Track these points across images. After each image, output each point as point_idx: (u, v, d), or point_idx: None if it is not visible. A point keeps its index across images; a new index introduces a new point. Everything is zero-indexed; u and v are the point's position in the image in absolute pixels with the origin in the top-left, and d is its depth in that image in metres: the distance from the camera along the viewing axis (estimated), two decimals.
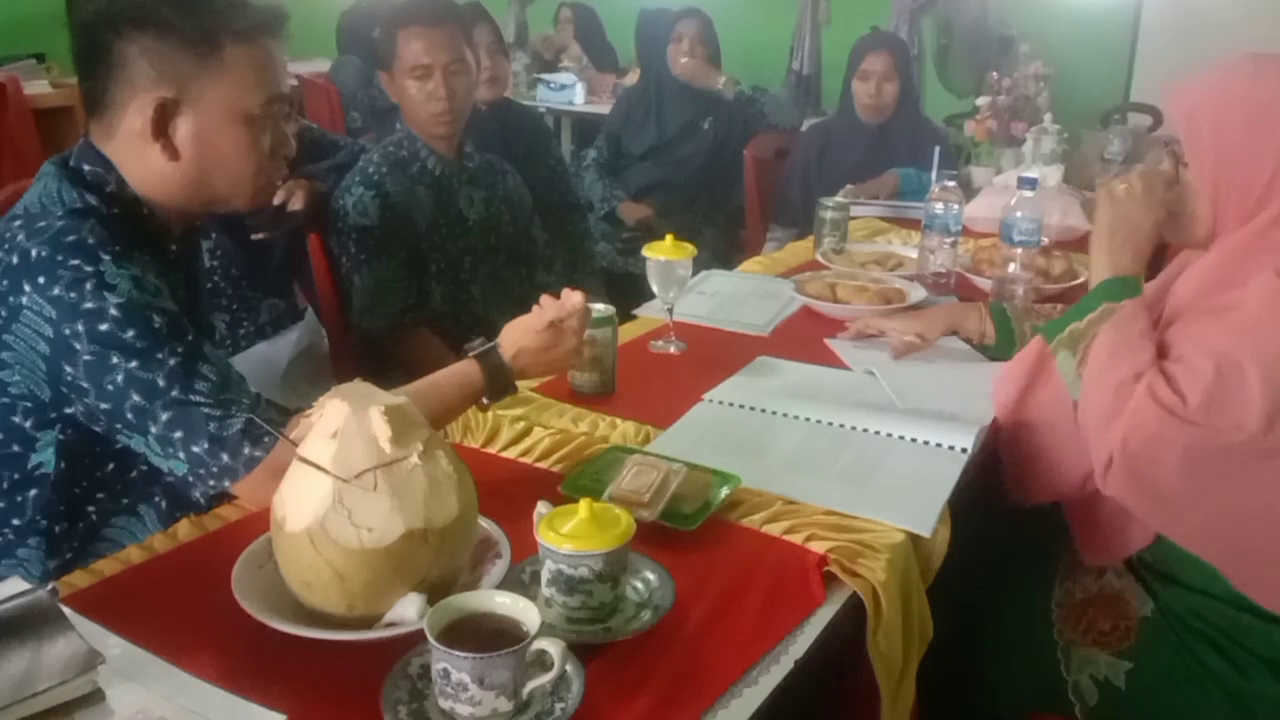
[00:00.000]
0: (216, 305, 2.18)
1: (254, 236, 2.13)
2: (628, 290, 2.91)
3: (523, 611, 0.90)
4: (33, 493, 1.28)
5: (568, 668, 0.89)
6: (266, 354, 2.26)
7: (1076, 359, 1.39)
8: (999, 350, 1.76)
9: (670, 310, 1.79)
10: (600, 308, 1.59)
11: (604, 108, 4.75)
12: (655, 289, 1.75)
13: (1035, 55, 3.25)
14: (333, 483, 0.97)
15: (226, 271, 2.17)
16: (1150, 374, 1.28)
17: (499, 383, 1.37)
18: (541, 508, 1.09)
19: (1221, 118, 1.33)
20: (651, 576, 1.08)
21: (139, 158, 1.26)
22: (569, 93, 5.17)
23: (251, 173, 1.31)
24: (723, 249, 3.60)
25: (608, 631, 1.01)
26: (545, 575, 1.02)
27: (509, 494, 1.24)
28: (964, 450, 1.42)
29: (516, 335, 1.39)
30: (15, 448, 1.27)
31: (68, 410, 1.23)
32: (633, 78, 4.96)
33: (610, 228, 3.55)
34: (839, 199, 2.46)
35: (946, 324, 1.79)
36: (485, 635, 0.89)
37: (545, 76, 5.29)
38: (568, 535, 1.00)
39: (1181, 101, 1.38)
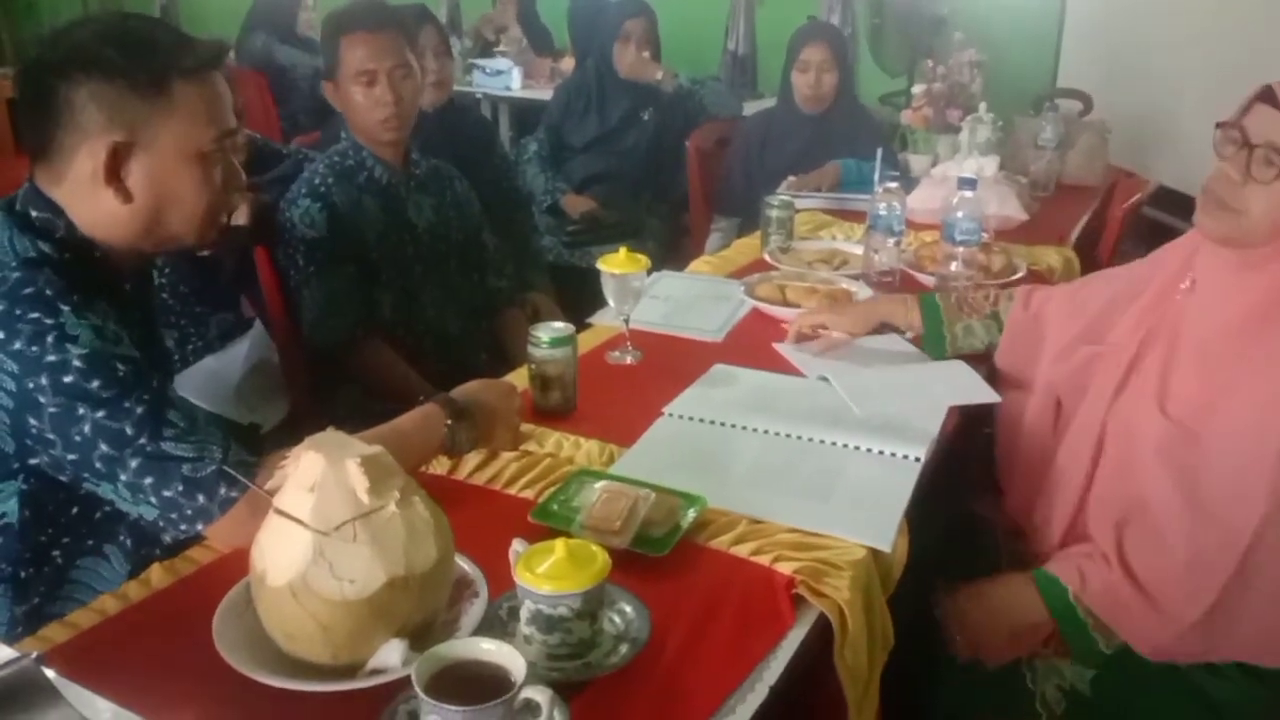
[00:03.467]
0: (165, 322, 2.15)
1: (200, 253, 2.10)
2: (575, 284, 2.94)
3: (508, 658, 0.93)
4: None
5: (555, 713, 0.92)
6: (215, 368, 2.25)
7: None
8: (928, 345, 1.82)
9: (626, 321, 1.81)
10: (560, 326, 1.61)
11: (542, 93, 4.73)
12: (611, 301, 1.77)
13: (969, 43, 3.31)
14: (313, 536, 0.98)
15: (175, 289, 2.15)
16: None
17: (455, 408, 1.38)
18: (518, 545, 1.11)
19: None
20: (628, 608, 1.11)
21: (90, 202, 1.25)
22: (505, 78, 5.12)
23: (204, 209, 1.31)
24: (667, 239, 3.63)
25: (587, 667, 1.04)
26: (524, 614, 1.05)
27: (481, 524, 1.26)
28: (918, 459, 1.47)
29: (457, 389, 1.42)
30: None
31: (32, 461, 1.22)
32: (568, 63, 4.93)
33: (554, 220, 3.55)
34: (784, 196, 2.49)
35: (875, 318, 1.84)
36: (472, 683, 0.91)
37: (480, 62, 5.23)
38: (545, 575, 1.03)
39: None
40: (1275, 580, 1.31)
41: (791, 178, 2.99)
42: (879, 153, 2.35)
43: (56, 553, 1.31)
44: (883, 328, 1.89)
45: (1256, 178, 1.33)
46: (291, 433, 1.87)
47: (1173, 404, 1.39)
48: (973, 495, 1.76)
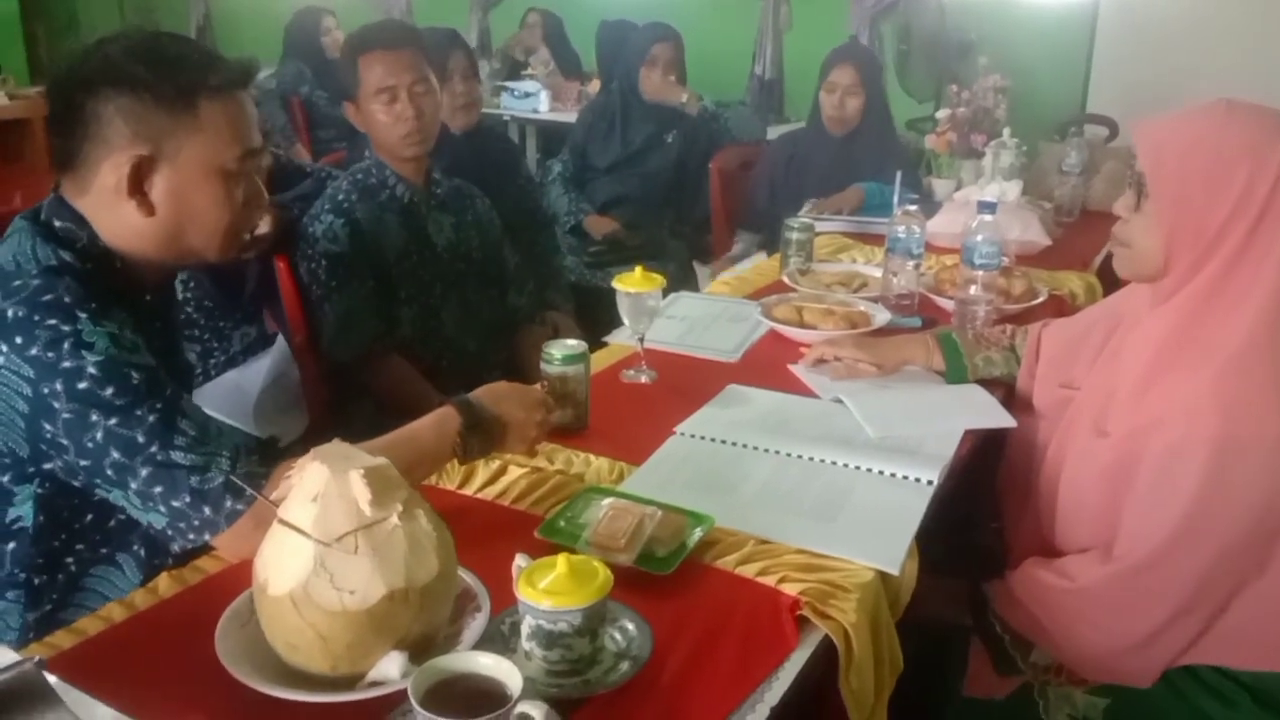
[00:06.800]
0: (189, 336, 2.17)
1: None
2: (596, 304, 2.94)
3: (506, 673, 0.92)
4: (11, 546, 1.29)
5: None
6: (238, 381, 2.27)
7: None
8: (951, 380, 1.82)
9: (641, 340, 1.82)
10: (573, 344, 1.61)
11: (568, 115, 4.77)
12: (626, 320, 1.77)
13: (994, 67, 3.30)
14: (314, 546, 0.98)
15: (200, 303, 2.17)
16: None
17: (472, 417, 1.37)
18: (520, 560, 1.11)
19: (1187, 160, 1.33)
20: (630, 626, 1.10)
21: (113, 213, 1.27)
22: (533, 100, 5.18)
23: (225, 226, 1.33)
24: (688, 260, 3.64)
25: (587, 684, 1.03)
26: (525, 630, 1.05)
27: (486, 539, 1.26)
28: (930, 483, 1.46)
29: (482, 388, 1.42)
30: None
31: (46, 466, 1.23)
32: (596, 86, 4.97)
33: (576, 241, 3.57)
34: (804, 219, 2.49)
35: (901, 360, 1.85)
36: (468, 697, 0.91)
37: (509, 84, 5.29)
38: (546, 591, 1.02)
39: (1151, 137, 1.39)
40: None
41: (813, 200, 2.99)
42: (898, 176, 2.35)
43: (70, 560, 1.33)
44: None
45: (1136, 209, 1.42)
46: (309, 447, 1.89)
47: (1113, 432, 1.42)
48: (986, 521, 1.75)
